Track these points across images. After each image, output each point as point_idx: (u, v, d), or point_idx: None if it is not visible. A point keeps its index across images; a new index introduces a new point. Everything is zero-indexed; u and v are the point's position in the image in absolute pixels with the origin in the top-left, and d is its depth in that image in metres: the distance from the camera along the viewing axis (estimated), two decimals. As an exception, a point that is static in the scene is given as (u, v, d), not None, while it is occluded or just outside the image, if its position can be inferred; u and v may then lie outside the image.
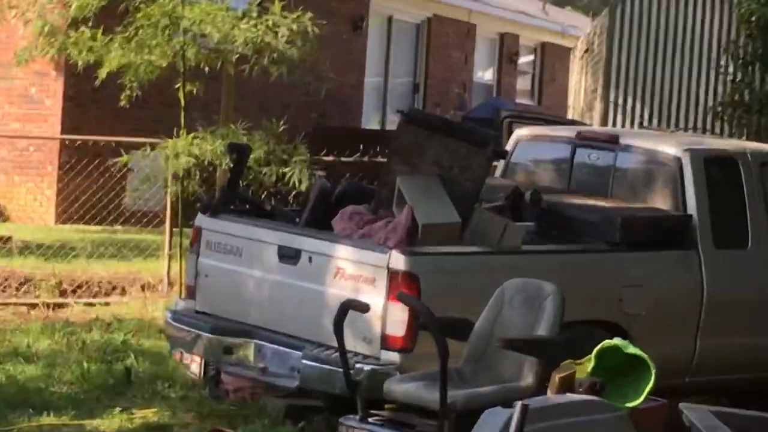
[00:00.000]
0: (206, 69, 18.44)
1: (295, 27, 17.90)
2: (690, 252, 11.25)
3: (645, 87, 20.39)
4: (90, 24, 17.92)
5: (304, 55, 18.13)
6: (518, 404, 6.86)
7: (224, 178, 11.69)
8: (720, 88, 19.89)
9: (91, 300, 16.07)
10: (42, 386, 11.96)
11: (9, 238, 19.25)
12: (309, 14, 18.09)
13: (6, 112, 22.49)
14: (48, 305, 15.71)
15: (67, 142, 21.35)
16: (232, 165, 12.05)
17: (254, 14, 18.47)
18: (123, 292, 16.48)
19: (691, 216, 11.32)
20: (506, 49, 36.50)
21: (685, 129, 19.37)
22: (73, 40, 18.00)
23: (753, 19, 19.40)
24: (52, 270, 17.02)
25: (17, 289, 16.23)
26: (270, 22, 18.03)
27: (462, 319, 8.15)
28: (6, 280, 16.50)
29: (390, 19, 31.23)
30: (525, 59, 38.05)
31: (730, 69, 19.73)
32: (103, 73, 17.78)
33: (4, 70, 22.14)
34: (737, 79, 19.61)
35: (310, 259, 10.13)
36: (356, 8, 29.25)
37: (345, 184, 11.77)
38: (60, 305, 15.74)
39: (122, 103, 17.47)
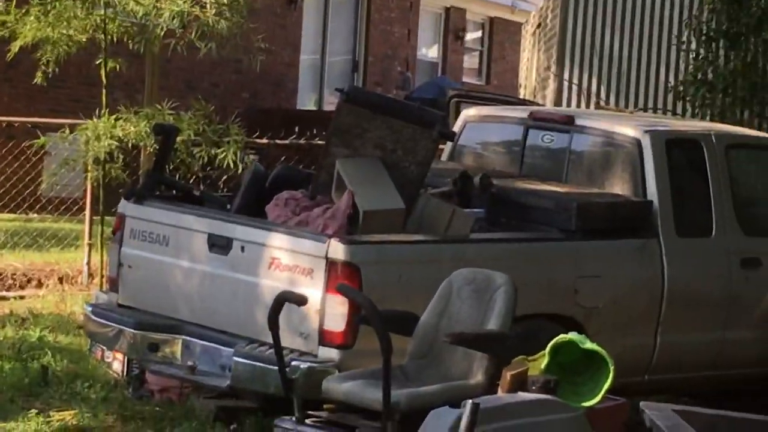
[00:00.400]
0: (130, 45, 18.42)
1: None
2: (650, 241, 11.19)
3: (602, 64, 20.48)
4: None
5: (233, 27, 18.11)
6: (468, 404, 6.80)
7: (149, 162, 11.60)
8: (682, 66, 19.99)
9: (4, 293, 16.00)
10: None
11: None
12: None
13: None
14: (-42, 300, 15.62)
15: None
16: (157, 147, 11.95)
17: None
18: (39, 284, 16.42)
19: (651, 202, 11.27)
20: (452, 25, 36.61)
21: (645, 109, 19.44)
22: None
23: (713, -9, 19.55)
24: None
25: None
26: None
27: (406, 313, 8.09)
28: None
29: (327, -4, 31.27)
30: (472, 35, 38.18)
31: (693, 45, 19.82)
32: (15, 47, 17.77)
33: None
34: (700, 56, 19.72)
35: (242, 248, 10.01)
36: (288, -20, 29.31)
37: (280, 168, 11.72)
38: (-31, 299, 15.64)
39: (38, 81, 17.47)
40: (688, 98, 19.20)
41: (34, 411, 11.13)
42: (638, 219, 11.22)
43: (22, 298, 15.84)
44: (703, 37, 19.58)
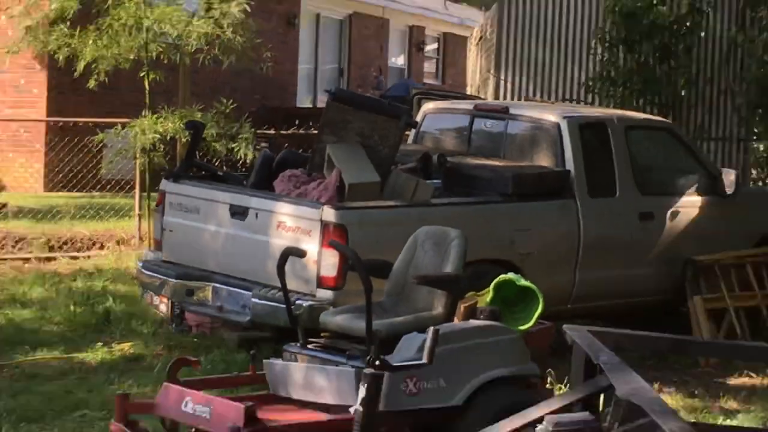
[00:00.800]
0: (166, 60, 18.38)
1: (236, 11, 17.92)
2: (569, 201, 11.31)
3: (529, 67, 20.41)
4: (68, 23, 17.82)
5: (246, 44, 18.14)
6: (431, 330, 6.88)
7: (183, 150, 11.64)
8: (591, 66, 19.96)
9: (75, 254, 16.01)
10: (36, 327, 11.92)
11: (5, 205, 19.14)
12: (245, 15, 18.11)
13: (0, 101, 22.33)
14: (39, 259, 15.67)
15: (51, 124, 21.22)
16: (189, 139, 11.99)
17: (202, 13, 18.48)
18: (102, 246, 16.42)
19: (569, 171, 11.38)
20: (414, 39, 36.50)
21: (563, 100, 19.43)
22: (54, 37, 17.90)
23: (616, 9, 19.50)
24: (42, 230, 16.94)
25: (13, 247, 16.16)
26: (217, 13, 18.06)
27: (383, 261, 8.15)
28: (3, 239, 16.43)
29: (318, 17, 31.15)
30: (430, 47, 38.05)
31: (599, 50, 19.82)
32: (80, 66, 17.70)
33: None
34: (605, 59, 19.72)
35: (256, 215, 10.15)
36: (290, 8, 29.18)
37: (284, 152, 11.78)
38: (49, 259, 15.69)
39: (91, 86, 17.42)
40: (596, 91, 19.20)
41: (99, 344, 11.23)
42: (559, 184, 11.33)
43: (89, 257, 15.86)
44: (607, 44, 19.54)
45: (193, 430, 7.41)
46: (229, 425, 6.92)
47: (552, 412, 5.60)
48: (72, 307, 12.51)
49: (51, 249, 16.17)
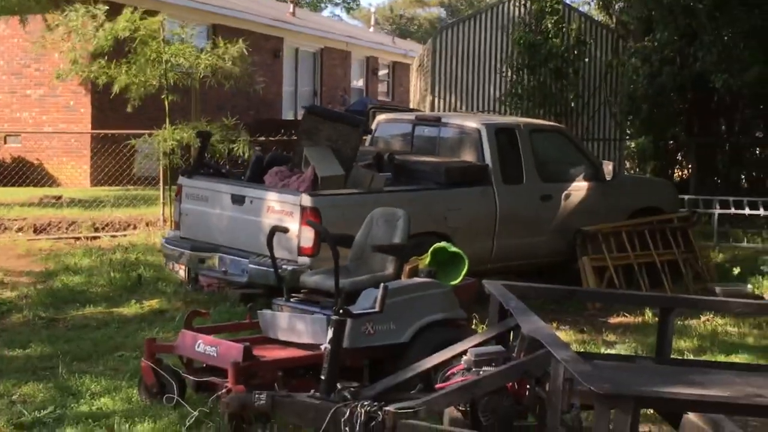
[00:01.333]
0: (181, 85, 18.33)
1: (235, 52, 17.91)
2: (488, 187, 11.28)
3: (456, 87, 20.36)
4: (105, 57, 17.75)
5: (243, 70, 18.11)
6: (382, 286, 6.89)
7: (195, 154, 11.62)
8: (503, 86, 19.98)
9: (114, 233, 15.92)
10: (84, 289, 11.85)
11: (60, 197, 19.09)
12: (242, 46, 18.06)
13: (55, 118, 22.20)
14: (87, 238, 15.57)
15: (94, 135, 21.12)
16: (200, 145, 11.91)
17: (209, 48, 18.44)
18: (134, 227, 16.34)
19: (487, 165, 11.36)
20: (371, 66, 36.42)
21: (482, 112, 19.43)
22: (95, 68, 17.81)
23: (521, 41, 19.51)
24: (89, 215, 16.88)
25: (66, 229, 16.07)
26: (221, 52, 18.02)
27: (347, 235, 8.15)
28: (59, 222, 16.34)
29: (297, 50, 31.02)
30: (383, 72, 37.97)
31: (509, 74, 19.82)
32: (116, 89, 17.63)
33: (52, 90, 21.84)
34: (513, 80, 19.75)
35: (251, 201, 10.09)
36: (275, 44, 29.13)
37: (271, 153, 11.79)
38: (94, 238, 15.60)
39: (129, 110, 17.37)
40: (507, 104, 19.23)
41: (133, 301, 11.16)
42: (480, 175, 11.29)
43: (125, 236, 15.77)
44: (514, 69, 19.56)
45: (204, 365, 7.40)
46: (231, 360, 6.93)
47: (474, 346, 5.60)
48: (112, 274, 12.45)
49: (95, 230, 16.10)
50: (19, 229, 15.84)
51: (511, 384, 5.25)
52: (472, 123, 11.96)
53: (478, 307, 8.61)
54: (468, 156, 11.65)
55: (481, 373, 5.24)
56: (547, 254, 12.01)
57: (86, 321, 10.37)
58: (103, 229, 16.16)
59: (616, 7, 24.09)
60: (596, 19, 23.53)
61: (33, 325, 10.16)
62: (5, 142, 22.38)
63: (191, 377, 7.45)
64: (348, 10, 54.92)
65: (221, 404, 6.54)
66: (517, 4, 20.70)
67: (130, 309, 10.85)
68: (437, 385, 5.51)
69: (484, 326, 6.14)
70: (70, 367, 8.43)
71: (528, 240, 11.74)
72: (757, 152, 22.74)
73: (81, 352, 9.01)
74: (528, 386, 5.31)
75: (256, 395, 5.26)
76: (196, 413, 7.00)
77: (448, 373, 5.58)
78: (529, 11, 20.26)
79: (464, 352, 5.56)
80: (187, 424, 6.88)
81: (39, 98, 22.46)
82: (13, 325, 10.18)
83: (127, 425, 6.90)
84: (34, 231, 15.88)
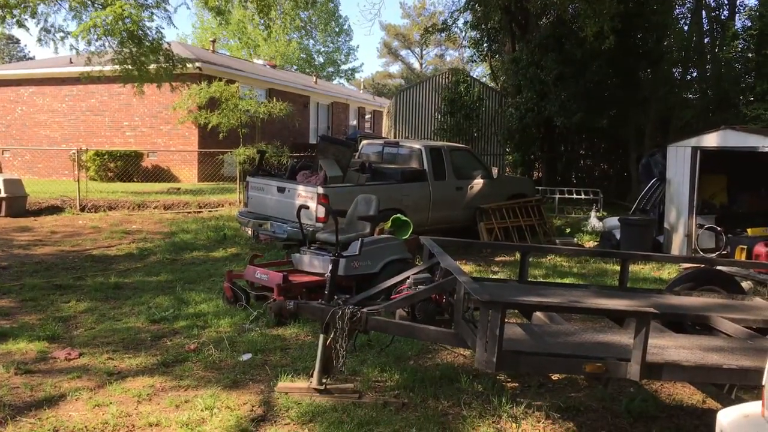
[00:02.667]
0: (249, 123, 18.24)
1: (281, 106, 17.82)
2: (425, 182, 11.20)
3: (408, 125, 20.26)
4: (205, 107, 17.65)
5: (286, 113, 18.07)
6: (360, 239, 6.86)
7: (257, 163, 11.58)
8: (435, 124, 19.91)
9: (211, 209, 15.82)
10: (192, 241, 11.77)
11: (179, 188, 18.93)
12: (286, 103, 17.94)
13: (177, 142, 21.97)
14: (194, 212, 15.45)
15: (199, 152, 20.88)
16: (259, 158, 11.81)
17: (266, 101, 18.32)
18: (222, 206, 16.23)
19: (425, 169, 11.30)
20: (361, 113, 36.22)
21: (423, 139, 19.36)
22: (199, 114, 17.70)
23: (446, 98, 19.48)
24: (196, 198, 16.77)
25: (183, 207, 15.95)
26: (271, 105, 17.90)
27: (343, 210, 8.08)
28: (179, 203, 16.22)
29: (318, 103, 30.80)
30: (368, 116, 37.77)
31: (439, 117, 19.75)
32: (209, 126, 17.54)
33: (174, 128, 21.64)
34: (441, 120, 19.70)
35: (288, 190, 9.99)
36: (305, 99, 28.89)
37: (301, 162, 11.63)
38: (198, 212, 15.45)
39: (220, 138, 17.26)
40: (437, 135, 19.17)
41: (221, 249, 11.12)
42: (421, 175, 11.22)
43: (217, 210, 15.68)
44: (442, 113, 19.51)
45: (260, 285, 7.37)
46: (276, 283, 6.91)
47: (414, 274, 5.59)
48: (208, 233, 12.40)
49: (200, 207, 15.98)
50: (155, 207, 15.75)
51: (434, 295, 5.26)
52: (417, 145, 11.87)
53: (418, 252, 8.63)
54: (414, 164, 11.57)
55: (417, 289, 5.24)
56: (460, 221, 11.95)
57: (193, 260, 10.32)
58: (204, 206, 16.03)
59: (501, 78, 24.03)
60: (489, 85, 23.46)
61: (162, 262, 10.13)
62: (147, 156, 22.17)
63: (253, 292, 7.47)
64: (348, 80, 54.67)
65: (269, 308, 6.56)
66: (444, 77, 20.72)
67: (219, 253, 10.80)
68: (392, 297, 5.51)
69: (420, 263, 6.14)
70: (183, 287, 8.41)
71: (448, 213, 11.69)
72: (581, 162, 22.89)
73: (190, 278, 8.99)
74: (444, 297, 5.33)
75: (289, 303, 5.24)
76: (255, 312, 7.01)
77: (399, 289, 5.57)
78: (450, 81, 20.28)
79: (408, 278, 5.56)
80: (250, 319, 6.89)
81: (168, 131, 22.25)
82: (151, 262, 10.14)
83: (216, 319, 6.90)
84: (164, 208, 15.76)
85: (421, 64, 62.56)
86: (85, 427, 4.32)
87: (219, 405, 4.70)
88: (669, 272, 10.14)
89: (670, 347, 4.38)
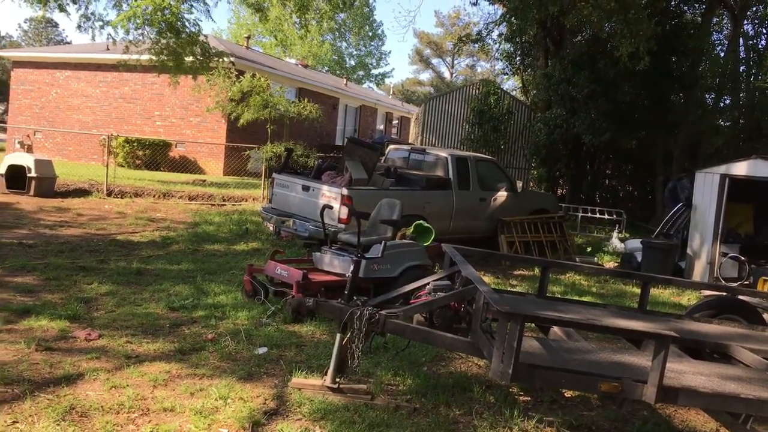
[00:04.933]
0: (278, 119, 18.33)
1: (311, 106, 17.90)
2: (449, 191, 11.23)
3: (436, 133, 20.30)
4: (235, 102, 17.79)
5: (316, 114, 18.13)
6: (383, 242, 6.88)
7: (283, 160, 11.64)
8: (462, 134, 19.90)
9: (234, 203, 15.93)
10: (215, 234, 11.86)
11: (205, 180, 19.09)
12: (317, 105, 18.04)
13: (205, 134, 22.14)
14: (218, 205, 15.58)
15: (226, 146, 21.03)
16: (286, 155, 11.87)
17: (296, 100, 18.41)
18: (246, 200, 16.30)
19: (450, 178, 11.31)
20: (388, 118, 36.29)
21: (449, 148, 19.40)
22: (229, 107, 17.84)
23: (475, 109, 19.46)
24: (220, 191, 16.88)
25: (206, 200, 16.06)
26: (302, 105, 18.00)
27: (367, 212, 8.11)
28: (203, 195, 16.31)
29: (346, 106, 30.93)
30: (395, 121, 37.84)
31: (467, 127, 19.74)
32: (242, 120, 17.68)
33: (204, 119, 21.83)
34: (468, 131, 19.69)
35: (313, 189, 10.04)
36: (334, 101, 29.02)
37: (327, 162, 11.69)
38: (222, 205, 15.57)
39: (240, 126, 17.37)
40: (464, 145, 19.17)
41: (242, 242, 11.18)
42: (446, 184, 11.23)
43: (240, 205, 15.76)
44: (470, 124, 19.50)
45: (280, 282, 7.41)
46: (295, 279, 6.93)
47: (434, 281, 5.60)
48: (231, 226, 12.48)
49: (223, 200, 16.07)
50: (180, 197, 15.88)
51: (453, 303, 5.26)
52: (443, 153, 11.87)
53: (438, 260, 8.62)
54: (440, 172, 11.57)
55: (436, 295, 5.25)
56: (481, 232, 11.95)
57: (214, 252, 10.39)
58: (228, 200, 16.14)
59: (531, 92, 23.97)
60: (519, 99, 23.41)
61: (184, 252, 10.20)
62: (176, 147, 22.38)
63: (272, 287, 7.50)
64: (377, 84, 54.79)
65: (287, 304, 6.56)
66: (475, 88, 20.70)
67: (240, 247, 10.86)
68: (411, 301, 5.52)
69: (439, 270, 6.14)
70: (203, 277, 8.48)
71: (470, 223, 11.69)
72: (606, 182, 22.77)
73: (210, 269, 9.05)
74: (463, 305, 5.33)
75: (308, 300, 5.27)
76: (273, 308, 7.04)
77: (418, 294, 5.58)
78: (481, 92, 20.27)
79: (428, 284, 5.57)
80: (268, 314, 6.93)
81: (197, 123, 22.45)
82: (173, 251, 10.22)
83: (234, 311, 6.95)
84: (189, 198, 15.89)
85: (451, 74, 62.56)
86: (102, 407, 4.38)
87: (233, 396, 4.74)
88: (689, 298, 10.04)
89: (688, 372, 4.34)
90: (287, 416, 4.52)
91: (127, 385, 4.77)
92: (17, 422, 4.06)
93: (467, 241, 11.80)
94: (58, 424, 4.05)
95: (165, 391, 4.75)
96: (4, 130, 29.76)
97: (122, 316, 6.56)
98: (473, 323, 4.68)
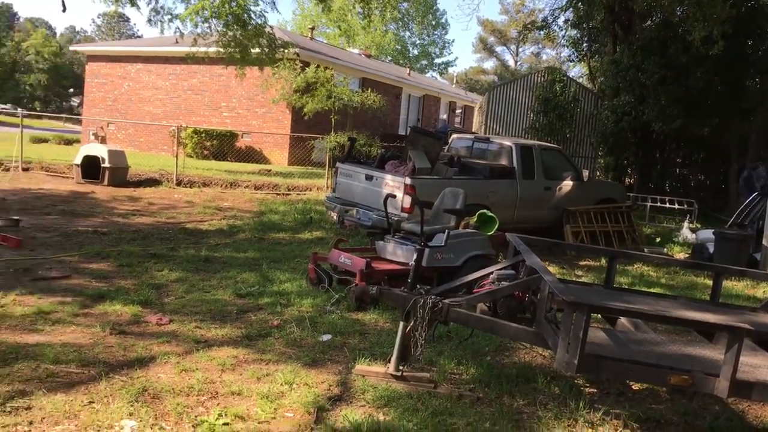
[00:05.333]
0: (341, 110, 18.43)
1: (374, 96, 17.91)
2: (514, 180, 11.09)
3: (499, 122, 20.12)
4: (300, 92, 17.97)
5: (378, 104, 18.15)
6: (446, 231, 6.85)
7: (347, 150, 11.69)
8: (527, 122, 19.63)
9: (299, 192, 16.10)
10: (280, 222, 12.03)
11: (270, 170, 19.36)
12: (380, 96, 18.09)
13: (270, 125, 22.48)
14: (283, 194, 15.77)
15: (291, 136, 21.27)
16: (349, 145, 11.92)
17: (360, 90, 18.46)
18: (310, 190, 16.46)
19: (514, 167, 11.17)
20: (451, 107, 36.05)
21: (514, 136, 19.16)
22: (294, 98, 18.04)
23: (540, 96, 19.15)
24: (285, 181, 17.09)
25: (272, 189, 16.27)
26: (365, 95, 18.04)
27: (430, 201, 8.04)
28: (269, 185, 16.54)
29: (410, 95, 30.87)
30: (459, 110, 37.58)
31: (531, 116, 19.46)
32: (306, 111, 17.87)
33: (270, 110, 22.16)
34: (533, 119, 19.40)
35: (376, 179, 10.05)
36: (397, 91, 29.03)
37: (391, 152, 11.68)
38: (287, 194, 15.76)
39: (305, 117, 17.53)
40: (529, 133, 18.91)
41: (306, 231, 11.30)
42: (510, 172, 11.10)
43: (305, 194, 15.95)
44: (535, 112, 19.22)
45: (344, 269, 7.48)
46: (359, 268, 6.98)
47: (498, 270, 5.56)
48: (296, 215, 12.63)
49: (288, 189, 16.27)
50: (246, 187, 16.16)
51: (517, 292, 5.21)
52: (507, 142, 11.73)
53: (501, 250, 8.55)
54: (503, 161, 11.45)
55: (500, 284, 5.21)
56: (546, 222, 11.77)
57: (279, 240, 10.55)
58: (292, 189, 16.33)
59: (599, 80, 23.43)
60: (586, 86, 22.92)
61: (250, 240, 10.40)
62: (242, 137, 22.80)
63: (336, 276, 7.58)
64: (441, 73, 54.50)
65: (351, 292, 6.65)
66: (540, 76, 20.35)
67: (304, 236, 11.00)
68: (474, 290, 5.49)
69: (503, 260, 6.08)
70: (269, 265, 8.63)
71: (535, 213, 11.53)
72: (677, 171, 22.13)
73: (275, 257, 9.20)
74: (527, 295, 5.27)
75: (371, 288, 5.30)
76: (337, 295, 7.11)
77: (482, 283, 5.54)
78: (546, 80, 19.90)
79: (491, 273, 5.52)
80: (332, 301, 7.00)
81: (262, 114, 22.82)
82: (240, 240, 10.43)
83: (299, 299, 7.06)
84: (255, 188, 16.16)
85: (516, 62, 61.69)
86: (172, 389, 4.51)
87: (298, 381, 4.82)
88: (765, 291, 9.67)
89: (763, 367, 4.19)
90: (351, 402, 4.57)
91: (197, 369, 4.91)
92: (93, 402, 4.22)
93: (531, 230, 11.63)
94: (131, 405, 4.20)
95: (233, 375, 4.86)
96: (80, 122, 30.91)
97: (191, 302, 6.74)
98: (538, 313, 4.63)
